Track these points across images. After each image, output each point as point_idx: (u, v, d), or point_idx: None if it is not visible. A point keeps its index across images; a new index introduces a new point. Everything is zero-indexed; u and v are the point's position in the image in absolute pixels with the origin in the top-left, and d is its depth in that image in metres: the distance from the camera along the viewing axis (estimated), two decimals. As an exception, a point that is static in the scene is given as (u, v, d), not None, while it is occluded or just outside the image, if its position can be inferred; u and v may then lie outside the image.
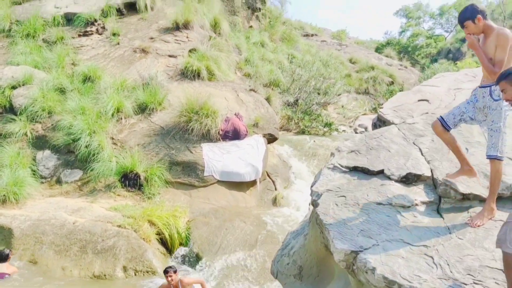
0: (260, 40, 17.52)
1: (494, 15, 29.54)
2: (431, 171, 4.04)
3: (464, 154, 3.99)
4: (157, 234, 6.64)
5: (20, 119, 8.13)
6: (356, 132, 14.86)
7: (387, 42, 35.58)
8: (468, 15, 3.75)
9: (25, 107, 8.26)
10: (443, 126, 3.94)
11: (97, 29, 10.94)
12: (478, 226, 3.61)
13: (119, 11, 11.70)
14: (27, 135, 8.05)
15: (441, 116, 4.01)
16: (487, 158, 3.76)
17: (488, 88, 3.70)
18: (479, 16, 3.69)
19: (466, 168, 3.93)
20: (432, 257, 3.19)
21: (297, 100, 13.96)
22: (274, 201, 8.17)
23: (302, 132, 12.82)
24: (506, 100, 3.21)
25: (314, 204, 3.95)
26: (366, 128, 14.88)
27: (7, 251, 5.64)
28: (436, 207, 3.77)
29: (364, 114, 17.52)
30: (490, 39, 3.70)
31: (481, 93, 3.81)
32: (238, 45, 14.78)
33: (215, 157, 7.99)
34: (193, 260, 6.44)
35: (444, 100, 5.31)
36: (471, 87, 5.55)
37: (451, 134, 3.96)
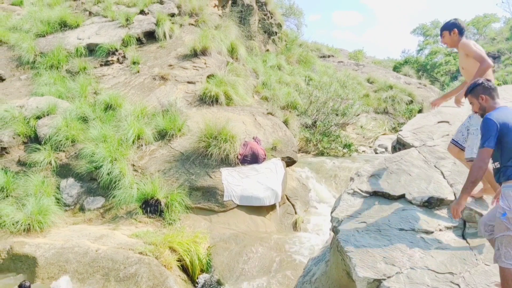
0: (277, 63, 17.70)
1: (513, 31, 29.26)
2: (454, 195, 3.99)
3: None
4: (178, 261, 6.62)
5: (45, 148, 8.32)
6: (376, 153, 14.71)
7: (405, 61, 35.45)
8: (448, 26, 4.36)
9: (49, 137, 8.46)
10: (457, 147, 4.17)
11: (118, 59, 11.23)
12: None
13: (138, 40, 12.00)
14: (51, 164, 8.22)
15: (452, 139, 4.24)
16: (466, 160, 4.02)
17: None
18: (455, 29, 4.30)
19: (487, 186, 4.05)
20: (458, 285, 3.12)
21: (315, 122, 13.94)
22: (295, 225, 8.10)
23: (321, 153, 12.76)
24: (475, 112, 3.53)
25: (335, 230, 3.92)
26: (386, 148, 14.73)
27: (27, 283, 5.66)
28: (461, 232, 3.69)
29: (384, 134, 17.37)
30: (460, 52, 4.31)
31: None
32: (255, 69, 14.96)
33: (234, 182, 8.01)
34: (214, 287, 6.40)
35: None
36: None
37: None
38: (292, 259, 6.69)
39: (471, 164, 3.70)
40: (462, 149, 4.09)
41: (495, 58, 30.11)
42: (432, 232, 3.65)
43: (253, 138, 8.91)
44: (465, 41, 4.23)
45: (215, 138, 8.32)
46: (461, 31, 4.31)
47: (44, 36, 11.96)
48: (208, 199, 7.87)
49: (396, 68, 32.25)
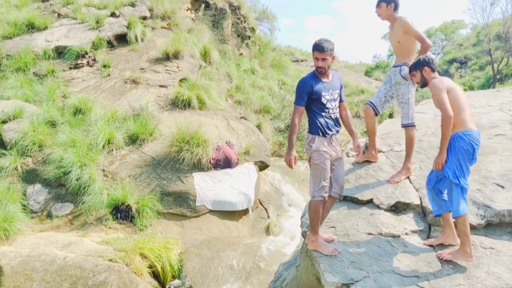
0: (250, 67, 17.74)
1: (479, 37, 30.21)
2: (420, 199, 4.08)
3: (375, 141, 4.83)
4: (149, 267, 6.53)
5: (11, 154, 8.08)
6: (348, 156, 14.88)
7: (376, 66, 36.05)
8: None
9: (15, 141, 8.22)
10: (374, 111, 4.74)
11: (88, 62, 11.02)
12: (397, 182, 4.37)
13: (109, 43, 11.81)
14: (17, 170, 7.98)
15: (371, 102, 4.81)
16: (402, 127, 4.58)
17: (399, 67, 4.56)
18: (393, 4, 4.56)
19: (372, 152, 4.81)
20: (423, 288, 3.19)
21: (288, 126, 14.02)
22: (267, 230, 8.12)
23: (294, 157, 12.82)
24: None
25: (305, 235, 3.95)
26: (357, 152, 14.92)
27: None
28: (427, 236, 3.79)
29: (356, 138, 17.57)
30: (396, 26, 4.57)
31: (393, 72, 4.66)
32: (228, 73, 14.95)
33: (207, 187, 7.97)
34: (186, 293, 6.35)
35: (431, 127, 5.39)
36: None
37: (376, 119, 4.77)
38: (264, 263, 6.70)
39: (406, 129, 4.48)
40: (376, 113, 4.72)
41: (462, 63, 30.98)
42: (398, 236, 3.72)
43: (226, 142, 8.90)
44: (406, 19, 4.52)
45: (187, 143, 8.27)
46: (397, 6, 4.60)
47: (11, 38, 11.62)
48: (180, 204, 7.80)
49: (367, 73, 32.78)
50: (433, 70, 3.88)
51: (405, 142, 4.51)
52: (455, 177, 3.44)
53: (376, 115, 4.74)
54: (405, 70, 4.52)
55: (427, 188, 3.75)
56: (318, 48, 3.66)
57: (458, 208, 3.40)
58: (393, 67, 4.70)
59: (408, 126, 4.50)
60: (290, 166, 3.70)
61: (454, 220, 3.55)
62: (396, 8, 4.59)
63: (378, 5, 4.61)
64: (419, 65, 3.87)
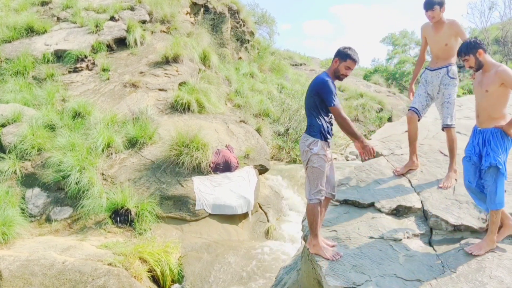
0: (249, 71, 17.74)
1: (477, 41, 30.25)
2: (421, 202, 4.07)
3: (416, 148, 4.70)
4: (148, 272, 6.50)
5: (9, 157, 8.06)
6: (347, 160, 14.90)
7: (375, 69, 36.13)
8: (441, 2, 4.54)
9: (14, 145, 8.20)
10: (418, 116, 4.67)
11: (87, 65, 11.01)
12: (447, 187, 4.29)
13: (109, 47, 11.81)
14: (16, 173, 7.96)
15: (414, 107, 4.71)
16: (443, 128, 4.51)
17: (445, 68, 4.56)
18: (444, 7, 4.57)
19: (413, 159, 4.65)
20: (425, 292, 3.17)
21: (287, 130, 14.03)
22: (267, 234, 8.10)
23: (294, 161, 12.83)
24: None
25: (306, 239, 3.93)
26: (357, 156, 14.94)
27: None
28: (428, 239, 3.77)
29: (355, 141, 17.59)
30: (444, 29, 4.56)
31: (435, 74, 4.61)
32: (228, 76, 14.95)
33: (207, 190, 7.95)
34: (186, 297, 6.31)
35: (431, 130, 5.39)
36: (457, 117, 5.64)
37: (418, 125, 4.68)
38: (264, 267, 6.67)
39: (448, 130, 4.43)
40: (419, 118, 4.68)
41: (461, 67, 31.02)
42: (400, 240, 3.71)
43: (226, 146, 8.89)
44: (458, 22, 4.55)
45: (187, 146, 8.25)
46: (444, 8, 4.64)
47: (10, 41, 11.61)
48: (180, 208, 7.78)
49: (366, 77, 32.83)
50: (485, 51, 3.60)
51: (447, 145, 4.46)
52: (504, 167, 3.43)
53: (419, 120, 4.69)
54: (453, 69, 4.52)
55: (468, 192, 3.69)
56: (357, 61, 3.74)
57: (503, 200, 3.42)
58: (435, 70, 4.62)
59: (451, 127, 4.44)
60: (372, 152, 3.62)
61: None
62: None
63: (431, 8, 4.53)
64: (472, 47, 3.58)
